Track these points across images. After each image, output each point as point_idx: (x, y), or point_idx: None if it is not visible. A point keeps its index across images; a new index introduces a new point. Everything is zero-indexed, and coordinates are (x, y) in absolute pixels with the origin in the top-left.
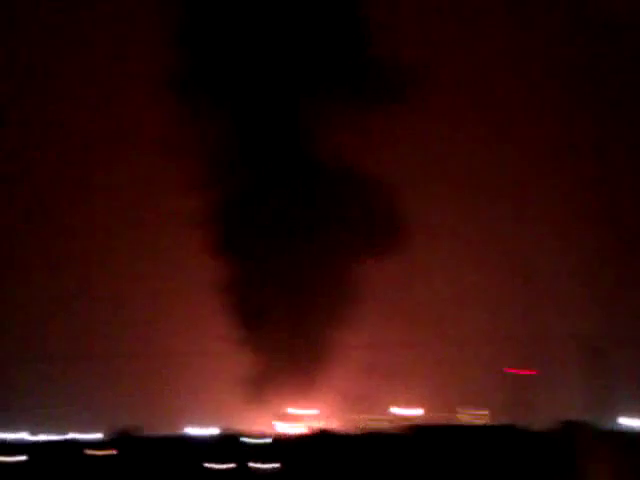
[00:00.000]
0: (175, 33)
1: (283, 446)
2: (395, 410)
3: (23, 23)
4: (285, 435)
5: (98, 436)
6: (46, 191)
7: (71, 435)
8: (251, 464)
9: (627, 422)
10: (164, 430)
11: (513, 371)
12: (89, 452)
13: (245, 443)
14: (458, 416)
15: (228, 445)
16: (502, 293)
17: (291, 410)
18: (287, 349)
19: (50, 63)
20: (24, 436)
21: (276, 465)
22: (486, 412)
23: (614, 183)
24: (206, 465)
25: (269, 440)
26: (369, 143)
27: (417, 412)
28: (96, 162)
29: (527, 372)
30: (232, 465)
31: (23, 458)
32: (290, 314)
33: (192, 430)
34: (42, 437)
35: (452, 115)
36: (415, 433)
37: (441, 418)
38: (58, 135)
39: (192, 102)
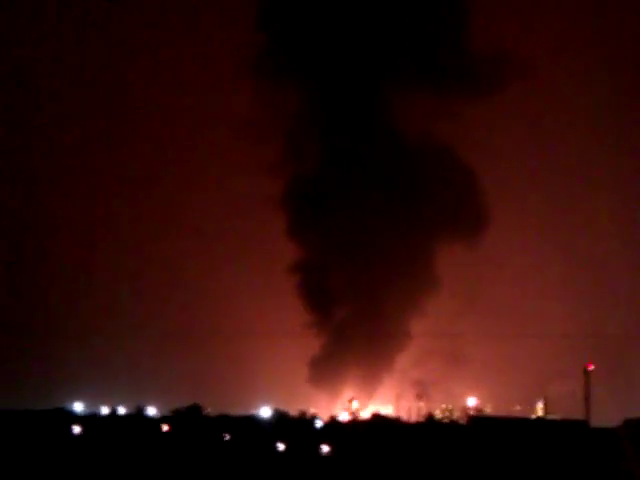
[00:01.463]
0: (259, 15)
1: (346, 430)
2: (463, 401)
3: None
4: (350, 419)
5: (160, 412)
6: (126, 169)
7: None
8: (315, 446)
9: None
10: (231, 409)
11: (589, 367)
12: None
13: (310, 425)
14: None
15: (293, 426)
16: (577, 288)
17: (357, 395)
18: (357, 333)
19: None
20: (86, 408)
21: (338, 448)
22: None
23: None
24: (272, 445)
25: (334, 423)
26: (458, 130)
27: (484, 404)
28: (177, 144)
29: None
30: (296, 446)
31: (81, 429)
32: (362, 298)
33: (259, 410)
34: (105, 410)
35: (541, 106)
36: (481, 425)
37: (507, 411)
38: (140, 116)
39: (275, 84)
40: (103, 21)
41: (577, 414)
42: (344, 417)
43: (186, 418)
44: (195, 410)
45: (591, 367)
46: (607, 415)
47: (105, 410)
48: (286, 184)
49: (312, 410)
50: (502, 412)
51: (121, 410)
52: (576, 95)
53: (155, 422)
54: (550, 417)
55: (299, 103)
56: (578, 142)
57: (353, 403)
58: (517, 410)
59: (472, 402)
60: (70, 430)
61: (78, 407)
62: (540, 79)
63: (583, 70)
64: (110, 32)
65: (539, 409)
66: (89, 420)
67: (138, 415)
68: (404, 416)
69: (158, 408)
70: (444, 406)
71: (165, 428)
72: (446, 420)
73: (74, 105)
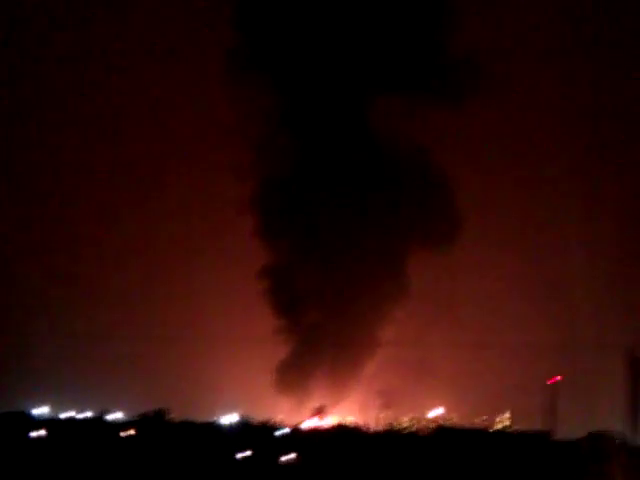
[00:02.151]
0: (238, 15)
1: (310, 438)
2: (428, 411)
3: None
4: (314, 428)
5: (125, 416)
6: (103, 171)
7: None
8: (278, 454)
9: None
10: (194, 415)
11: (554, 381)
12: (114, 431)
13: (274, 433)
14: (484, 420)
15: (255, 434)
16: (546, 301)
17: (323, 402)
18: (325, 340)
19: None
20: (50, 411)
21: (303, 457)
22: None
23: None
24: (233, 453)
25: (298, 431)
26: (433, 136)
27: (449, 414)
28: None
29: (556, 380)
30: (258, 454)
31: (45, 432)
32: (331, 305)
33: (222, 417)
34: (68, 414)
35: (519, 114)
36: (442, 435)
37: (471, 421)
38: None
39: (251, 85)
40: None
41: (542, 425)
42: (309, 425)
43: (150, 423)
44: (159, 415)
45: (557, 379)
46: (571, 427)
47: (69, 414)
48: (256, 187)
49: (277, 417)
50: (468, 422)
51: (85, 414)
52: (552, 103)
53: (119, 426)
54: (515, 428)
55: (271, 105)
56: (552, 151)
57: (318, 412)
58: (483, 420)
59: (438, 412)
60: (33, 434)
61: (42, 410)
62: (518, 86)
63: (560, 77)
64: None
65: (505, 419)
66: (52, 424)
67: (102, 419)
68: (369, 425)
69: (122, 412)
70: (409, 415)
71: (129, 432)
72: (411, 430)
73: (47, 103)
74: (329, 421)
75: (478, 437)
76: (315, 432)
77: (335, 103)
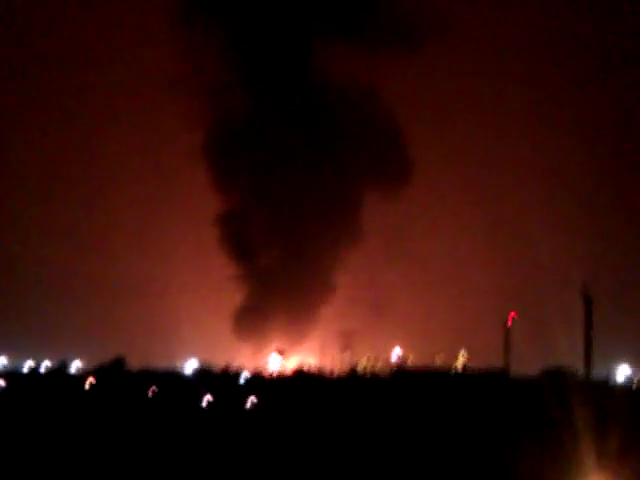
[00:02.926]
0: None
1: (270, 382)
2: (387, 351)
3: None
4: (274, 371)
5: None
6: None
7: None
8: (240, 399)
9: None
10: (155, 363)
11: (510, 318)
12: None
13: (235, 379)
14: (441, 359)
15: (218, 380)
16: (500, 239)
17: (282, 346)
18: (282, 285)
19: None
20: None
21: (263, 401)
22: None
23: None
24: (196, 399)
25: (259, 377)
26: (387, 82)
27: (407, 355)
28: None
29: (513, 317)
30: (218, 400)
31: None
32: (287, 249)
33: (182, 364)
34: (27, 364)
35: (471, 62)
36: (401, 377)
37: (430, 362)
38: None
39: (199, 34)
40: None
41: (497, 362)
42: (269, 370)
43: (110, 372)
44: (118, 364)
45: (512, 319)
46: (527, 365)
47: (29, 364)
48: (207, 134)
49: (237, 363)
50: (424, 361)
51: (45, 364)
52: (509, 47)
53: (79, 378)
54: (471, 366)
55: (222, 52)
56: (506, 91)
57: (276, 356)
58: (439, 359)
59: (396, 353)
60: None
61: (1, 361)
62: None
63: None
64: None
65: (460, 358)
66: (12, 376)
67: (61, 370)
68: (328, 367)
69: (80, 361)
70: (368, 357)
71: (89, 383)
72: (369, 372)
73: None
74: (291, 362)
75: (437, 379)
76: (277, 377)
77: (287, 47)
